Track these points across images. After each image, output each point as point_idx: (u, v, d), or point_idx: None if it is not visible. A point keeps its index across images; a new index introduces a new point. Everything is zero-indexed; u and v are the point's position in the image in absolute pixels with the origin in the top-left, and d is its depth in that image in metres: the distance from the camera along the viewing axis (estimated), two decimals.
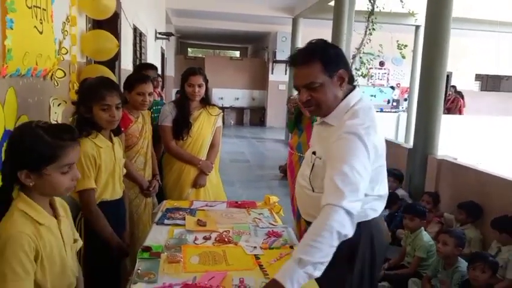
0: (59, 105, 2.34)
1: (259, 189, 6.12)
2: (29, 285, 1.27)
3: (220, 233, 2.06)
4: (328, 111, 1.69)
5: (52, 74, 2.26)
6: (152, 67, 4.05)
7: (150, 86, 2.67)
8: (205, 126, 3.03)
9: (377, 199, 1.74)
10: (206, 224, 2.17)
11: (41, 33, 1.95)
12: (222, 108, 14.67)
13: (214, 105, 3.15)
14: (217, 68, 14.37)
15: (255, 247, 1.91)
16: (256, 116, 14.87)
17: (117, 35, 4.12)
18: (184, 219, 2.25)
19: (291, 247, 1.94)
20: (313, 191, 1.73)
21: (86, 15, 2.88)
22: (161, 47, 9.43)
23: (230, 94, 14.69)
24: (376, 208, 1.74)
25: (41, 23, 1.95)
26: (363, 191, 1.51)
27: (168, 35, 8.66)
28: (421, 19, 9.38)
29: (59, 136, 1.36)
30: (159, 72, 9.52)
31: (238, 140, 11.23)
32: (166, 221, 2.22)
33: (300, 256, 1.37)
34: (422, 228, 3.42)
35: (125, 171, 2.28)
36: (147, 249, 1.81)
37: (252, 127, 14.31)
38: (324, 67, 1.61)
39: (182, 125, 2.96)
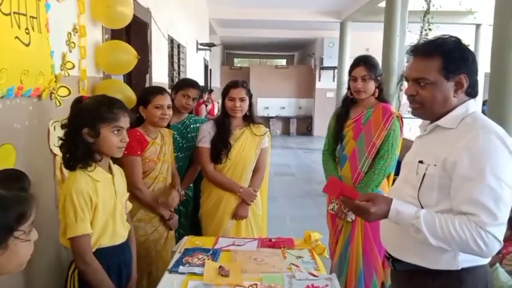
0: (62, 127, 2.02)
1: (305, 207, 5.62)
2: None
3: None
4: (432, 116, 1.48)
5: (52, 93, 1.95)
6: (193, 85, 2.85)
7: (168, 98, 2.36)
8: (248, 147, 2.61)
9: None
10: (229, 274, 1.75)
11: (27, 45, 1.63)
12: (268, 118, 14.29)
13: (259, 123, 2.71)
14: (263, 77, 14.13)
15: None
16: (303, 125, 14.37)
17: (146, 45, 3.85)
18: (203, 265, 1.85)
19: None
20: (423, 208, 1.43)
21: (102, 25, 2.56)
22: (204, 58, 9.21)
23: (276, 103, 14.33)
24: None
25: (27, 33, 1.63)
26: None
27: (209, 45, 8.43)
28: (480, 17, 8.63)
29: (20, 187, 1.01)
30: (202, 83, 9.40)
31: (283, 150, 10.77)
32: (181, 268, 1.83)
33: (424, 230, 1.33)
34: (498, 264, 2.79)
35: (130, 206, 1.90)
36: None
37: (298, 137, 13.81)
38: (443, 66, 1.40)
39: (221, 146, 2.56)
